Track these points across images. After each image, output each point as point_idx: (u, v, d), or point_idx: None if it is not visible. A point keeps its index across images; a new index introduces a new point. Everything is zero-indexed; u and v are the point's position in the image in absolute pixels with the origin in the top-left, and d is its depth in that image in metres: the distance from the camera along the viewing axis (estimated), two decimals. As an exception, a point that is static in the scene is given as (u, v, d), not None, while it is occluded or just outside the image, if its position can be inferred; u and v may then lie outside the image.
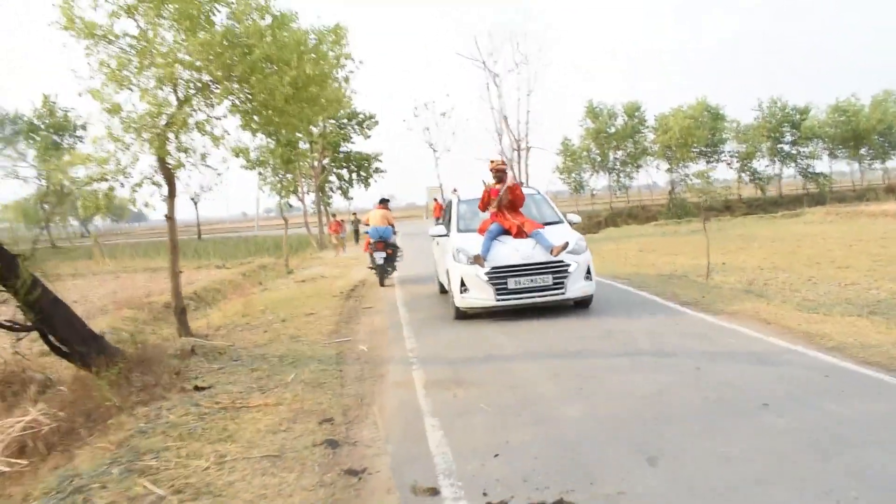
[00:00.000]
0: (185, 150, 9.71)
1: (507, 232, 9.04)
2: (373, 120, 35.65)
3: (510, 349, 7.13)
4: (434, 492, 3.75)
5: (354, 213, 34.93)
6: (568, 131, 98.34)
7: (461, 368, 6.45)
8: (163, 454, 4.53)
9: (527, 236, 8.86)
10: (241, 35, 9.21)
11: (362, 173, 38.19)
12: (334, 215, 30.09)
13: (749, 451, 4.03)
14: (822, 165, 55.09)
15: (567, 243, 8.58)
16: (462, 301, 8.74)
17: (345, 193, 39.04)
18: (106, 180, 9.37)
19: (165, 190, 9.77)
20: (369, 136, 36.42)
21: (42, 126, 50.98)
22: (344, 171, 38.68)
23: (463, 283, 8.68)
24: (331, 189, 39.00)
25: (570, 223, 9.92)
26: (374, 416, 5.18)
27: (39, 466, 4.93)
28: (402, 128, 75.30)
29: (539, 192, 10.93)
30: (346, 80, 21.33)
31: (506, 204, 9.30)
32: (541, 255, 8.56)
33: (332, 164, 37.82)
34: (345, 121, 34.56)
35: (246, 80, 9.30)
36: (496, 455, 4.20)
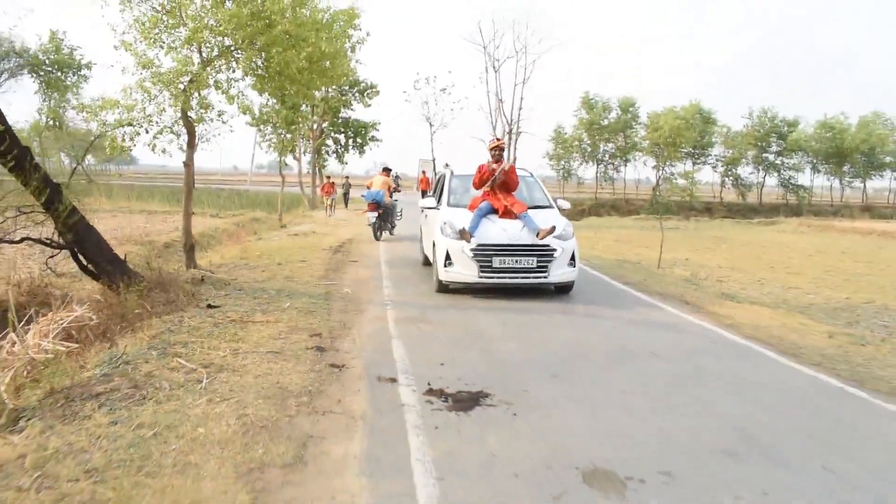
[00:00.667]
0: (206, 107, 11.02)
1: (496, 211, 9.11)
2: (374, 90, 36.79)
3: (472, 302, 8.55)
4: (393, 380, 5.19)
5: (347, 177, 36.11)
6: (563, 120, 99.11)
7: (428, 312, 7.88)
8: (189, 345, 5.91)
9: (515, 217, 8.91)
10: (266, 10, 10.38)
11: (358, 140, 39.41)
12: (328, 177, 31.25)
13: (625, 378, 5.48)
14: (805, 178, 56.74)
15: (554, 228, 8.66)
16: (445, 275, 8.80)
17: (340, 157, 40.25)
18: (132, 125, 10.60)
19: (184, 140, 11.05)
20: (369, 105, 37.61)
21: (46, 61, 51.30)
22: (341, 136, 39.88)
23: (448, 257, 8.72)
24: (327, 152, 40.17)
25: (560, 209, 9.95)
26: (353, 336, 6.60)
27: (88, 349, 6.29)
28: (401, 100, 76.42)
29: (532, 175, 10.80)
30: (353, 49, 22.87)
31: (499, 184, 9.30)
32: (528, 238, 8.63)
33: (331, 128, 38.98)
34: (346, 88, 35.64)
35: (266, 50, 10.56)
36: (442, 364, 5.66)
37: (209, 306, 7.66)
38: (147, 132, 10.76)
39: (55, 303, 7.78)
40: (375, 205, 16.13)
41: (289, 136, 25.21)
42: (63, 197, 8.20)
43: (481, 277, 8.58)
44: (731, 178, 52.97)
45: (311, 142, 36.95)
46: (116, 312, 7.19)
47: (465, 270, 8.64)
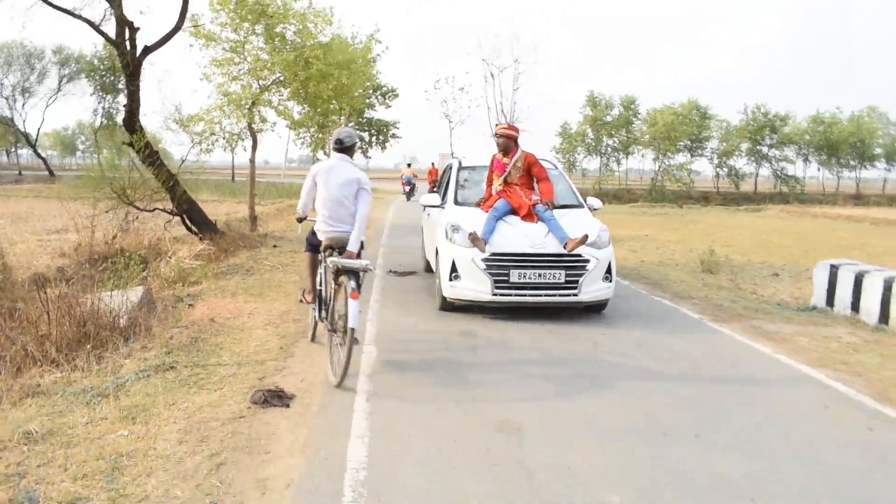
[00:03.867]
0: (264, 120, 16.11)
1: (514, 212, 7.45)
2: (394, 93, 41.85)
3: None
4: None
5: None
6: (569, 117, 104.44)
7: (403, 255, 12.75)
8: (268, 259, 10.96)
9: (537, 220, 7.26)
10: (306, 55, 15.28)
11: (381, 137, 44.57)
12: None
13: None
14: (799, 169, 60.50)
15: (586, 236, 6.91)
16: (451, 290, 7.07)
17: (364, 153, 45.48)
18: (214, 134, 15.68)
19: (249, 143, 16.15)
20: (390, 107, 42.74)
21: (101, 67, 56.76)
22: (365, 134, 45.06)
23: (454, 269, 7.05)
24: (353, 148, 45.47)
25: (591, 208, 8.29)
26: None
27: (209, 264, 11.31)
28: (422, 99, 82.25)
29: (556, 167, 8.97)
30: (374, 60, 28.72)
31: (518, 178, 7.63)
32: (554, 246, 6.96)
33: (356, 127, 44.14)
34: (370, 91, 40.69)
35: (304, 83, 15.52)
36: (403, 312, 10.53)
37: (273, 246, 12.70)
38: (224, 139, 15.87)
39: (168, 251, 12.70)
40: (407, 183, 31.57)
41: (320, 135, 30.28)
42: (178, 181, 13.27)
43: (496, 295, 6.89)
44: (725, 169, 56.98)
45: (338, 139, 42.16)
46: (221, 248, 12.22)
47: (476, 286, 6.94)
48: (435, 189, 10.39)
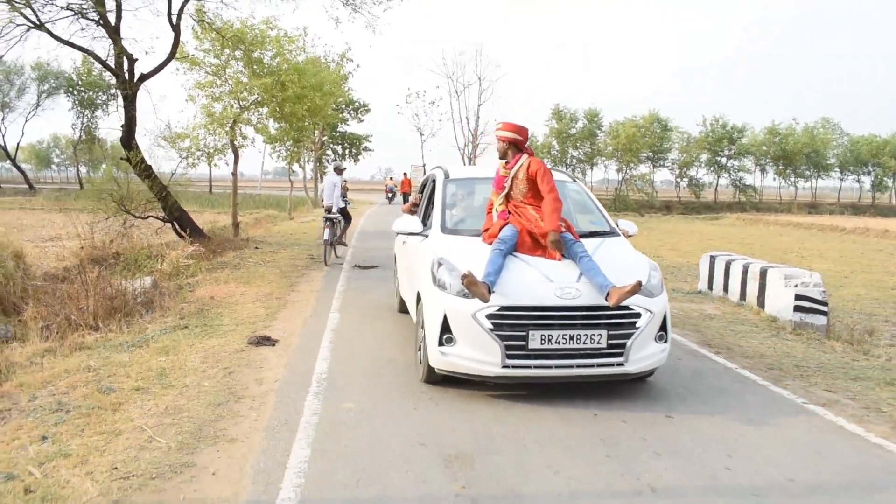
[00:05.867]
0: (245, 137, 17.91)
1: (532, 244, 5.29)
2: (366, 108, 43.84)
3: None
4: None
5: (346, 181, 43.20)
6: (535, 130, 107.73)
7: (370, 242, 14.61)
8: (252, 257, 12.76)
9: (562, 256, 5.15)
10: (283, 78, 17.07)
11: (353, 150, 46.50)
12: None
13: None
14: (756, 179, 63.36)
15: (640, 283, 4.74)
16: (442, 359, 4.95)
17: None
18: (200, 149, 17.45)
19: (231, 158, 17.93)
20: (362, 121, 44.71)
21: (79, 83, 57.94)
22: (339, 147, 46.96)
23: (446, 328, 4.90)
24: (327, 160, 47.18)
25: (626, 234, 6.10)
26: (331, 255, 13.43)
27: (201, 262, 13.06)
28: (393, 112, 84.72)
29: (574, 180, 6.83)
30: (346, 78, 30.97)
31: (525, 195, 5.46)
32: (590, 295, 4.84)
33: (330, 140, 45.99)
34: (343, 106, 42.60)
35: (281, 104, 17.33)
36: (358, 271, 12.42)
37: (255, 248, 14.52)
38: (207, 154, 17.65)
39: (164, 253, 14.39)
40: (390, 191, 33.15)
41: (295, 148, 32.08)
42: (169, 191, 15.02)
43: (508, 367, 4.74)
44: (685, 179, 59.59)
45: (313, 152, 43.97)
46: (209, 249, 14.00)
47: (479, 353, 4.80)
48: (413, 208, 7.81)
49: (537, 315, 4.73)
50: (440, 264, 5.11)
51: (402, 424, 4.42)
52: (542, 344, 4.70)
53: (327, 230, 12.47)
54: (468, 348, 4.79)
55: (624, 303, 4.75)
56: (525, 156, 5.47)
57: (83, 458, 3.78)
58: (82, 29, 13.37)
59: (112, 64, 14.10)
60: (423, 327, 5.27)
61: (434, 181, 6.72)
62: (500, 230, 5.29)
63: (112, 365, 5.68)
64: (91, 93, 59.14)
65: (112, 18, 13.32)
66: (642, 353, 4.92)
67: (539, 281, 4.88)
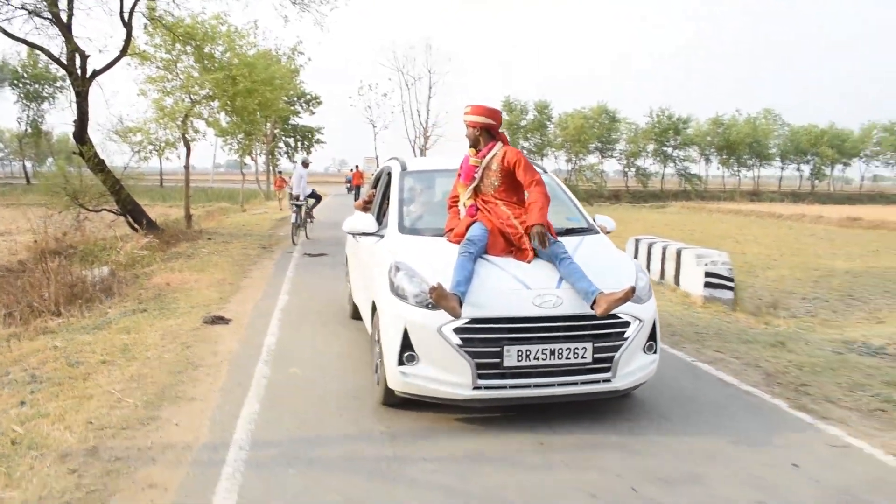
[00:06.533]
0: (196, 131, 18.26)
1: (504, 245, 4.65)
2: (317, 100, 44.11)
3: None
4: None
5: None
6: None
7: (321, 245, 15.18)
8: (206, 247, 13.23)
9: (533, 256, 4.52)
10: (233, 73, 17.48)
11: (305, 142, 46.75)
12: (280, 173, 38.38)
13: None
14: (701, 168, 65.35)
15: (633, 289, 4.14)
16: (402, 380, 4.24)
17: (290, 157, 47.48)
18: (152, 143, 17.76)
19: (183, 152, 18.28)
20: (314, 113, 44.98)
21: (25, 75, 56.75)
22: (291, 140, 47.15)
23: (407, 345, 4.21)
24: (279, 153, 47.33)
25: (604, 231, 5.44)
26: (281, 247, 13.95)
27: (156, 252, 13.48)
28: (346, 104, 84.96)
29: (544, 171, 5.85)
30: (297, 71, 31.47)
31: (497, 189, 4.76)
32: (573, 303, 4.24)
33: (282, 133, 46.14)
34: (294, 99, 42.79)
35: (232, 98, 17.73)
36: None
37: (208, 238, 14.96)
38: (159, 148, 17.97)
39: (118, 245, 14.75)
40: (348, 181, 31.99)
41: (247, 141, 32.30)
42: (122, 185, 15.38)
43: (479, 388, 4.10)
44: (633, 169, 61.24)
45: (265, 145, 44.07)
46: (163, 241, 14.41)
47: (445, 374, 4.14)
48: (367, 204, 6.96)
49: (513, 328, 4.10)
50: (398, 269, 4.42)
51: (342, 383, 5.11)
52: (518, 361, 4.08)
53: (294, 214, 15.00)
54: (433, 368, 4.13)
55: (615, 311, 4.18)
56: (499, 144, 4.78)
57: (60, 416, 4.34)
58: (36, 28, 13.62)
59: (65, 61, 14.38)
60: (379, 342, 4.53)
61: (389, 174, 5.97)
62: (466, 229, 4.63)
63: (77, 343, 6.20)
64: (37, 85, 58.01)
65: (64, 17, 13.61)
66: (631, 367, 4.35)
67: (514, 288, 4.25)
